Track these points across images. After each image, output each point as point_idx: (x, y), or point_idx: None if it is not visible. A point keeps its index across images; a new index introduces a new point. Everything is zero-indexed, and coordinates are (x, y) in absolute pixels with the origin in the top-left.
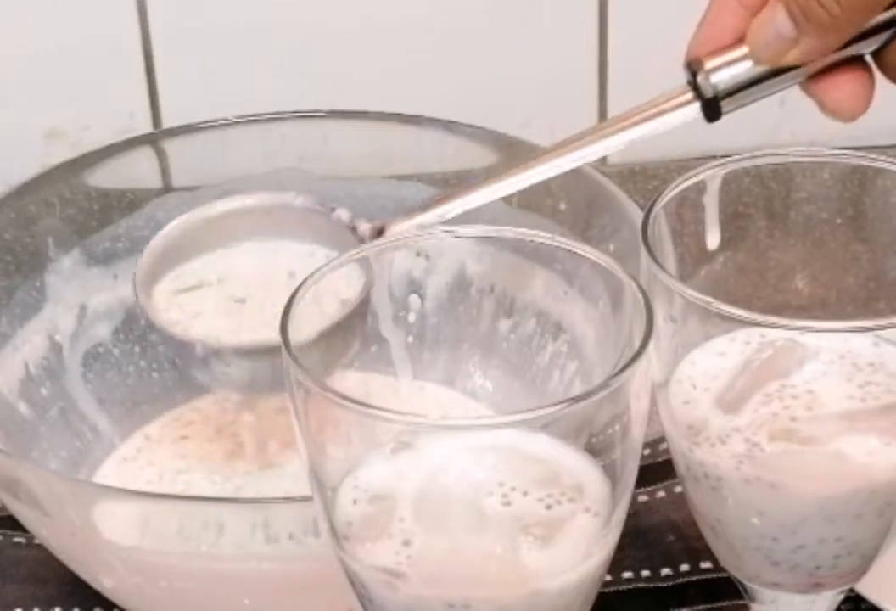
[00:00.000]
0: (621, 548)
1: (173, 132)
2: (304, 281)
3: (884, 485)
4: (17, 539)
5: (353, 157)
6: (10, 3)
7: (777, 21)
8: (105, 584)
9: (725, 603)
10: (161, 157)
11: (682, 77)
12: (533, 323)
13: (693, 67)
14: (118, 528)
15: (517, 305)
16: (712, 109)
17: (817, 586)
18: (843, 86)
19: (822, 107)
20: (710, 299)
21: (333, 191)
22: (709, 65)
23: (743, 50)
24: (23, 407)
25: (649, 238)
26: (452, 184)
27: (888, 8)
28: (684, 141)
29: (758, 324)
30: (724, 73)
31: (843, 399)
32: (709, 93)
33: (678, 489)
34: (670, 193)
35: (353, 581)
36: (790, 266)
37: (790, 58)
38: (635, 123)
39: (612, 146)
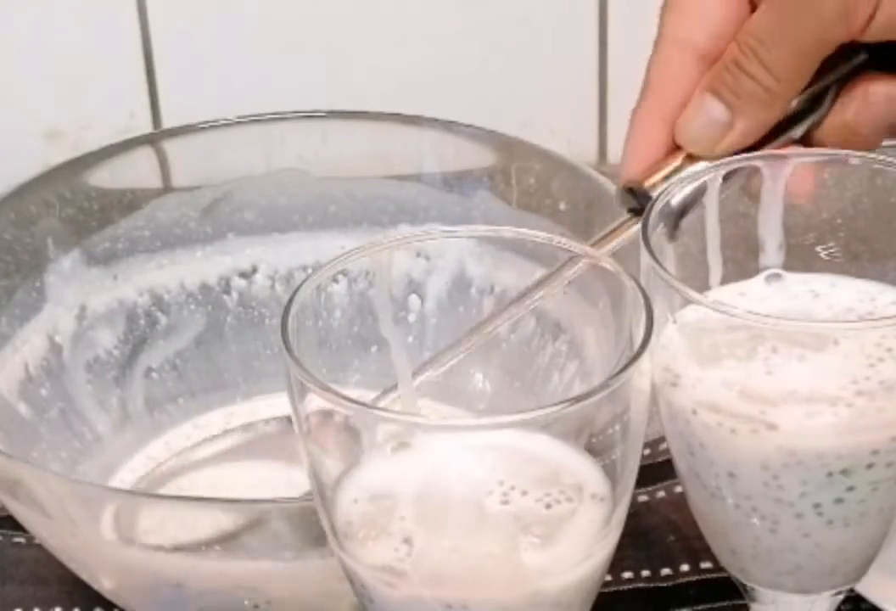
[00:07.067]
0: (621, 548)
1: (173, 132)
2: (304, 281)
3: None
4: (17, 539)
5: (353, 157)
6: (10, 3)
7: (707, 107)
8: (105, 584)
9: (725, 603)
10: (161, 157)
11: None
12: (533, 323)
13: (633, 190)
14: (118, 528)
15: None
16: None
17: (817, 586)
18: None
19: None
20: (710, 299)
21: (333, 191)
22: (648, 184)
23: (677, 159)
24: (23, 407)
25: (649, 238)
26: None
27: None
28: None
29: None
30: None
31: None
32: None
33: (678, 489)
34: (670, 193)
35: (354, 581)
36: (790, 266)
37: (726, 143)
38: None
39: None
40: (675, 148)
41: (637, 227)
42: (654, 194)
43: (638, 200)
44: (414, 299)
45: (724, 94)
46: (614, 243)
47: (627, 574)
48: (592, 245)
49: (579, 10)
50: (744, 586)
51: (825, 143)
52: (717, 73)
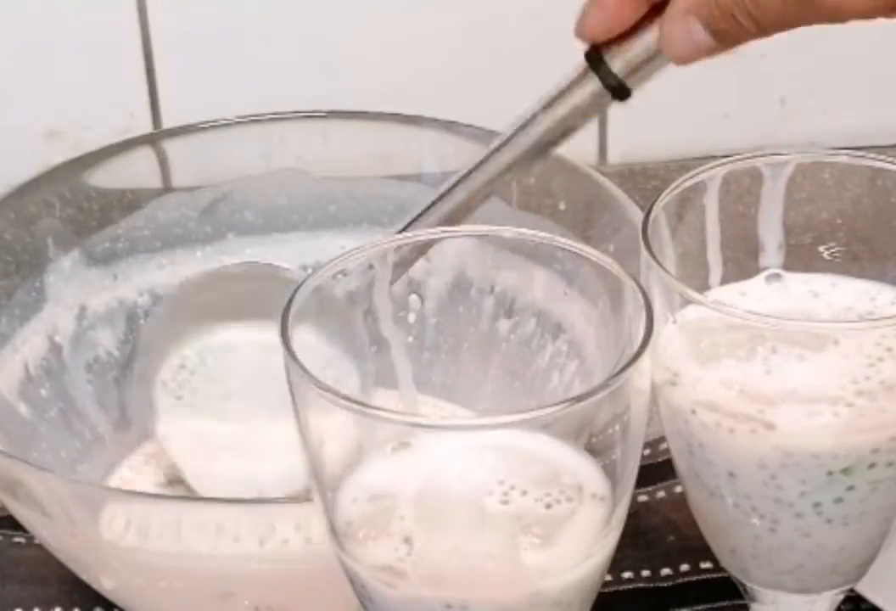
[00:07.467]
0: (621, 548)
1: (173, 132)
2: (304, 280)
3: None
4: (17, 539)
5: (353, 157)
6: (10, 3)
7: (694, 33)
8: (105, 584)
9: (725, 603)
10: (161, 157)
11: (680, 77)
12: (533, 323)
13: (594, 59)
14: (118, 528)
15: (517, 305)
16: (622, 92)
17: (817, 586)
18: None
19: None
20: (710, 299)
21: (333, 191)
22: (610, 57)
23: (645, 40)
24: (23, 407)
25: (649, 238)
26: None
27: None
28: (684, 141)
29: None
30: (624, 60)
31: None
32: (616, 83)
33: (678, 489)
34: (670, 193)
35: (353, 581)
36: (790, 266)
37: (701, 59)
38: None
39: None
40: (641, 18)
41: (592, 86)
42: (615, 66)
43: (595, 67)
44: (414, 299)
45: (712, 25)
46: (574, 98)
47: (627, 574)
48: (551, 102)
49: (579, 10)
50: (744, 586)
51: None
52: (704, 3)
